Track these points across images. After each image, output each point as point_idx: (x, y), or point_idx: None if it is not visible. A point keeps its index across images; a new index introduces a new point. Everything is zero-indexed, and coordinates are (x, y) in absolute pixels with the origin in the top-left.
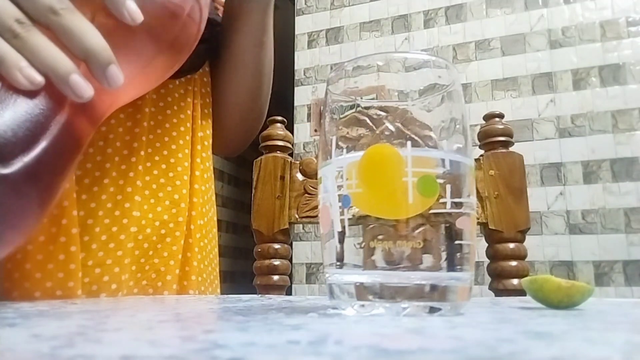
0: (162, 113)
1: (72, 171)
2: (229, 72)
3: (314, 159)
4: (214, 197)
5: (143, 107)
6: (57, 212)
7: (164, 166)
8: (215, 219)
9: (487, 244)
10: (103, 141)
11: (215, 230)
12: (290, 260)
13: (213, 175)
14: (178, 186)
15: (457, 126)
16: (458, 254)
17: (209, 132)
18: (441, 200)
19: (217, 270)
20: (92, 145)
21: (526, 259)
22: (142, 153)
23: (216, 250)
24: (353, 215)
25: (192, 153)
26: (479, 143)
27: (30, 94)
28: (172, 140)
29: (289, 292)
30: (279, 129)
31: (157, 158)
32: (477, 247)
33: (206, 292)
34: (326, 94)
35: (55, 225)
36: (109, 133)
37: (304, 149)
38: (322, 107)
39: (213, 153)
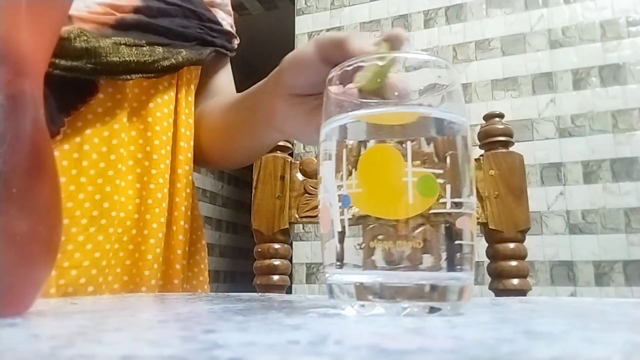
0: (144, 108)
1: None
2: (227, 148)
3: (314, 159)
4: (194, 192)
5: (122, 102)
6: None
7: (147, 163)
8: (197, 212)
9: (487, 244)
10: (80, 137)
11: (201, 232)
12: (290, 260)
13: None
14: (161, 184)
15: None
16: (458, 254)
17: (191, 133)
18: (441, 200)
19: (205, 267)
20: (68, 142)
21: (526, 259)
22: (122, 151)
23: (201, 246)
24: (353, 215)
25: (174, 150)
26: (479, 143)
27: None
28: (154, 136)
29: (289, 292)
30: None
31: (139, 156)
32: (477, 247)
33: (191, 289)
34: (326, 94)
35: None
36: (85, 128)
37: (304, 148)
38: (322, 107)
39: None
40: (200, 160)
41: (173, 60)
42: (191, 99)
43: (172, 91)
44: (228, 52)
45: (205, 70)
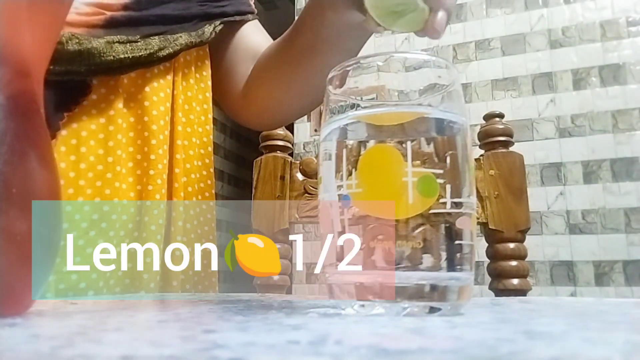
0: (140, 107)
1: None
2: (302, 84)
3: (314, 159)
4: (210, 195)
5: (116, 102)
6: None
7: (145, 164)
8: (209, 215)
9: (487, 244)
10: (76, 139)
11: (212, 236)
12: (290, 260)
13: (212, 174)
14: (159, 185)
15: None
16: (458, 254)
17: (190, 129)
18: (441, 200)
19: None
20: (64, 144)
21: (526, 259)
22: (120, 152)
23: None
24: (353, 215)
25: (171, 149)
26: (479, 143)
27: None
28: (151, 135)
29: (289, 292)
30: (279, 129)
31: (139, 157)
32: (477, 247)
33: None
34: (326, 94)
35: None
36: (80, 130)
37: (304, 149)
38: (322, 107)
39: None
40: (269, 115)
41: (170, 49)
42: (190, 93)
43: (169, 88)
44: (248, 15)
45: (233, 39)
